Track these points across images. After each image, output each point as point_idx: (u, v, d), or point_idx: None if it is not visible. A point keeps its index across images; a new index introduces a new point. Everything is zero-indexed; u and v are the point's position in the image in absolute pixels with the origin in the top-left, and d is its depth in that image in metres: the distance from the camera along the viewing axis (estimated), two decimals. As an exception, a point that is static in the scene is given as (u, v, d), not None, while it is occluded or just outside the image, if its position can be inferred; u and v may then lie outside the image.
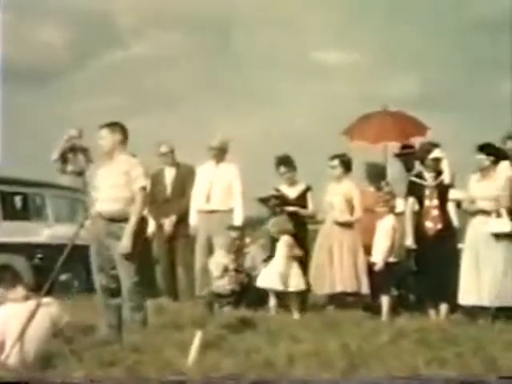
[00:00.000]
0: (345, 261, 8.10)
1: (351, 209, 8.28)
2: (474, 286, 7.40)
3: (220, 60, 22.16)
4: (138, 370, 5.25)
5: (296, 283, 8.03)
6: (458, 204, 8.11)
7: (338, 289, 8.10)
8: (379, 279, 7.87)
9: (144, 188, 6.50)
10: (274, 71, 22.11)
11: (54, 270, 6.30)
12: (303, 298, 8.26)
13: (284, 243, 8.13)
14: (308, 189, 8.71)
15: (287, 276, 8.02)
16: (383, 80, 22.62)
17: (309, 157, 11.25)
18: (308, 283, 8.13)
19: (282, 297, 8.10)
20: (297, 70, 21.88)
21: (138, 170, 6.53)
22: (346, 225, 8.24)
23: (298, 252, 8.12)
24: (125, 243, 6.34)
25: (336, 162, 8.36)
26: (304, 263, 8.22)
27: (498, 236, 7.40)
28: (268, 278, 8.11)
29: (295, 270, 8.08)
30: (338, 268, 8.11)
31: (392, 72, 22.62)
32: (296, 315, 7.78)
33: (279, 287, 8.02)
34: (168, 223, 9.19)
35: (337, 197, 8.27)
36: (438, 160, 7.87)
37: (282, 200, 8.62)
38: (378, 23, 21.14)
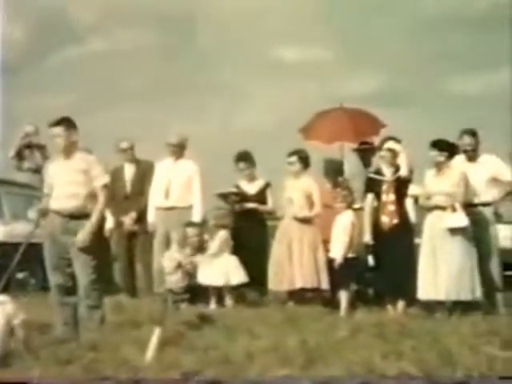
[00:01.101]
0: (305, 257, 8.14)
1: (310, 204, 8.32)
2: (432, 280, 7.48)
3: (181, 56, 22.10)
4: (94, 368, 5.20)
5: (236, 277, 8.07)
6: (417, 200, 8.18)
7: (298, 285, 8.14)
8: (338, 275, 7.92)
9: (106, 186, 6.47)
10: (235, 67, 22.11)
11: (9, 268, 6.22)
12: (261, 292, 8.30)
13: (219, 238, 8.20)
14: (267, 185, 8.74)
15: (227, 271, 8.07)
16: (344, 77, 22.74)
17: (269, 153, 11.28)
18: (250, 277, 8.14)
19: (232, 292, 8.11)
20: (258, 67, 21.93)
21: (98, 168, 6.48)
22: (306, 220, 8.28)
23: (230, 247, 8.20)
24: (82, 237, 6.28)
25: (294, 158, 8.40)
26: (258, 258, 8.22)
27: (453, 231, 7.50)
28: (207, 274, 8.14)
29: (234, 264, 8.12)
30: (297, 264, 8.14)
31: (352, 69, 22.75)
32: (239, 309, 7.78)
33: (219, 283, 8.05)
34: (127, 220, 9.14)
35: (296, 193, 8.30)
36: (394, 153, 7.93)
37: (242, 196, 8.64)
38: (339, 20, 21.27)
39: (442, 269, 7.46)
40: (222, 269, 8.16)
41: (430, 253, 7.55)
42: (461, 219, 7.51)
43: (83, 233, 6.28)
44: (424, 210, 7.88)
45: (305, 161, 8.45)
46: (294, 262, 8.16)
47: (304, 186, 8.34)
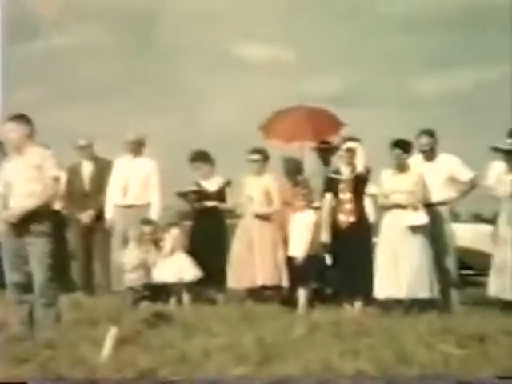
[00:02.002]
0: (266, 254, 8.16)
1: (270, 202, 8.33)
2: (391, 279, 7.52)
3: (142, 53, 21.96)
4: (50, 366, 5.15)
5: (190, 274, 8.08)
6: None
7: (259, 282, 8.15)
8: (298, 273, 7.94)
9: (56, 178, 6.38)
10: (196, 66, 22.04)
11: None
12: (220, 290, 8.31)
13: (171, 236, 8.20)
14: (227, 183, 8.72)
15: (180, 268, 8.07)
16: (305, 76, 22.81)
17: (229, 151, 11.27)
18: (208, 275, 8.15)
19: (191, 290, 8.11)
20: (219, 65, 21.88)
21: (51, 161, 6.39)
22: (266, 218, 8.29)
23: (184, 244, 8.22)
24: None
25: (255, 155, 8.41)
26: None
27: (414, 229, 7.56)
28: (161, 271, 8.14)
29: (187, 262, 8.13)
30: (258, 261, 8.15)
31: (313, 68, 22.82)
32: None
33: (173, 279, 8.05)
34: (85, 217, 9.06)
35: (256, 190, 8.32)
36: (352, 153, 7.98)
37: (201, 194, 8.62)
38: (301, 20, 21.30)
39: (402, 267, 7.51)
40: (174, 266, 8.15)
41: (389, 251, 7.60)
42: (422, 217, 7.60)
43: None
44: (382, 208, 7.93)
45: (266, 158, 8.49)
46: (255, 260, 8.17)
47: (264, 183, 8.37)
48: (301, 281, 7.92)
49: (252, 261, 8.17)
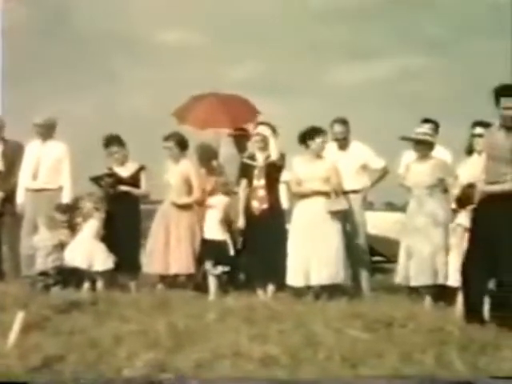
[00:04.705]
0: (181, 242, 8.11)
1: (189, 189, 8.28)
2: (304, 265, 7.58)
3: (55, 35, 21.53)
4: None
5: (102, 263, 8.01)
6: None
7: (172, 271, 8.11)
8: (209, 256, 7.93)
9: None
10: (111, 49, 21.74)
11: None
12: (134, 276, 8.26)
13: (91, 223, 8.12)
14: (141, 168, 8.64)
15: (91, 256, 8.00)
16: (222, 61, 22.79)
17: (143, 136, 11.17)
18: (122, 260, 8.10)
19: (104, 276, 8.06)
20: (135, 50, 21.65)
21: None
22: (184, 206, 8.24)
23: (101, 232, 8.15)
24: None
25: (171, 142, 8.32)
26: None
27: (329, 216, 7.64)
28: (72, 256, 8.04)
29: (101, 250, 8.06)
30: (173, 249, 8.10)
31: (231, 54, 22.83)
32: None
33: (83, 266, 7.97)
34: (-6, 200, 8.86)
35: (174, 177, 8.26)
36: (266, 139, 8.03)
37: (115, 179, 8.52)
38: (218, 4, 21.24)
39: (316, 254, 7.56)
40: (86, 252, 8.05)
41: (303, 238, 7.63)
42: (342, 203, 7.71)
43: None
44: (296, 196, 7.98)
45: (182, 144, 8.39)
46: (170, 247, 8.11)
47: (182, 170, 8.29)
48: (211, 264, 7.90)
49: (167, 248, 8.11)
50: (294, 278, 7.61)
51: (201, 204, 8.24)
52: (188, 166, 8.34)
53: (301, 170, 7.82)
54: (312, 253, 7.57)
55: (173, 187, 8.25)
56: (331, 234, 7.65)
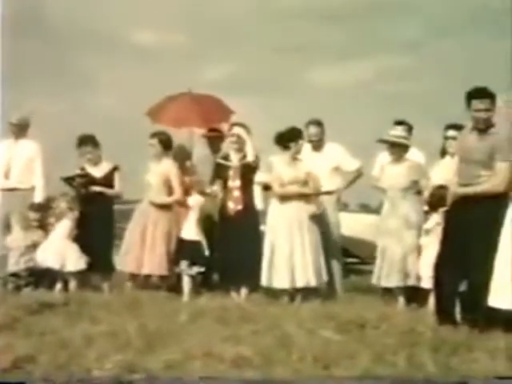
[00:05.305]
0: (156, 243, 8.06)
1: (168, 189, 8.23)
2: (280, 267, 7.53)
3: (30, 32, 21.37)
4: None
5: (74, 263, 7.95)
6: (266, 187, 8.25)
7: (145, 271, 8.06)
8: (183, 255, 7.89)
9: None
10: (88, 48, 21.64)
11: None
12: (106, 276, 8.21)
13: (63, 223, 8.06)
14: (115, 168, 8.59)
15: (64, 256, 7.94)
16: (196, 61, 22.75)
17: (117, 136, 11.12)
18: (94, 260, 8.04)
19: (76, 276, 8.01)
20: (109, 49, 21.56)
21: None
22: (162, 206, 8.19)
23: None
24: None
25: (155, 140, 8.27)
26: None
27: (306, 218, 7.63)
28: (45, 256, 7.98)
29: (73, 250, 8.00)
30: (148, 250, 8.05)
31: (206, 54, 22.80)
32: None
33: (55, 266, 7.91)
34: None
35: (155, 177, 8.20)
36: (240, 139, 8.01)
37: (88, 180, 8.46)
38: (195, 6, 21.24)
39: (292, 256, 7.53)
40: (58, 252, 7.98)
41: (279, 240, 7.58)
42: (319, 206, 7.73)
43: None
44: (278, 198, 7.87)
45: (165, 143, 8.32)
46: (145, 247, 8.07)
47: (163, 169, 8.23)
48: (187, 264, 7.86)
49: (143, 248, 8.07)
50: (268, 279, 7.56)
51: (182, 204, 8.20)
52: (169, 165, 8.27)
53: (283, 171, 7.77)
54: (295, 255, 7.55)
55: (152, 187, 8.20)
56: (312, 236, 7.64)
